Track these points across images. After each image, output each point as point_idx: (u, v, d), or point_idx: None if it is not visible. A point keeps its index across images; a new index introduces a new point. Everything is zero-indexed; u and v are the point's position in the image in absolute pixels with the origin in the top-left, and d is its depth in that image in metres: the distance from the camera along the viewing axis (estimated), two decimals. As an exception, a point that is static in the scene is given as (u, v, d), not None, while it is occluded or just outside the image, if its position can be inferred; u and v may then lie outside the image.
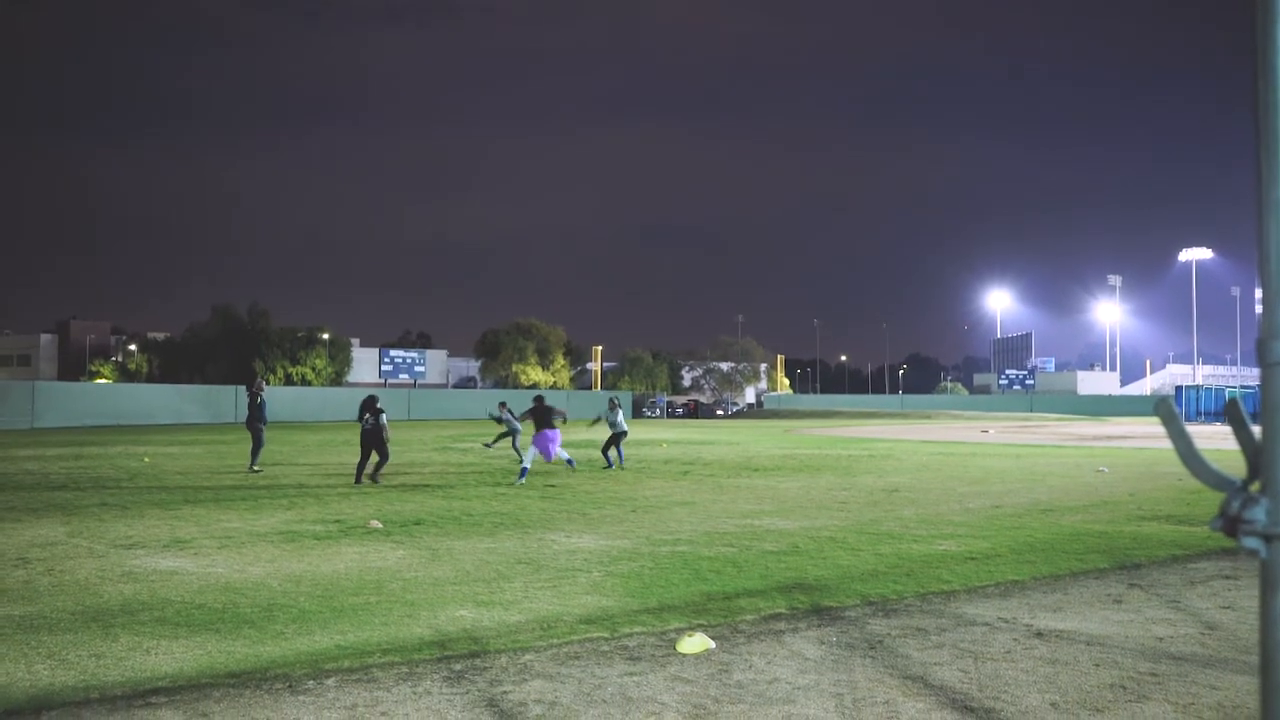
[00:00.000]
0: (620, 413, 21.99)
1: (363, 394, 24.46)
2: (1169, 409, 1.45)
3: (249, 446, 21.30)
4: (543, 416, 18.64)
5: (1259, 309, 1.34)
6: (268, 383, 21.53)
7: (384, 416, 18.43)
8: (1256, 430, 1.34)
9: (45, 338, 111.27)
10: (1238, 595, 8.09)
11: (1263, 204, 1.30)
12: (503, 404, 25.83)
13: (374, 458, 18.33)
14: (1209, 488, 1.37)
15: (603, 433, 23.07)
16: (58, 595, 8.01)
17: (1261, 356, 1.30)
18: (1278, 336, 1.27)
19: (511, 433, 24.29)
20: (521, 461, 22.65)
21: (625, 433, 21.93)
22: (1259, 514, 1.28)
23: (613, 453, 21.63)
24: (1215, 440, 16.84)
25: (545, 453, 18.57)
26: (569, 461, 19.57)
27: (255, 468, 20.21)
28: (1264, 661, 1.26)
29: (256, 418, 20.38)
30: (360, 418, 18.50)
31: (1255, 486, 1.31)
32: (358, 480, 18.07)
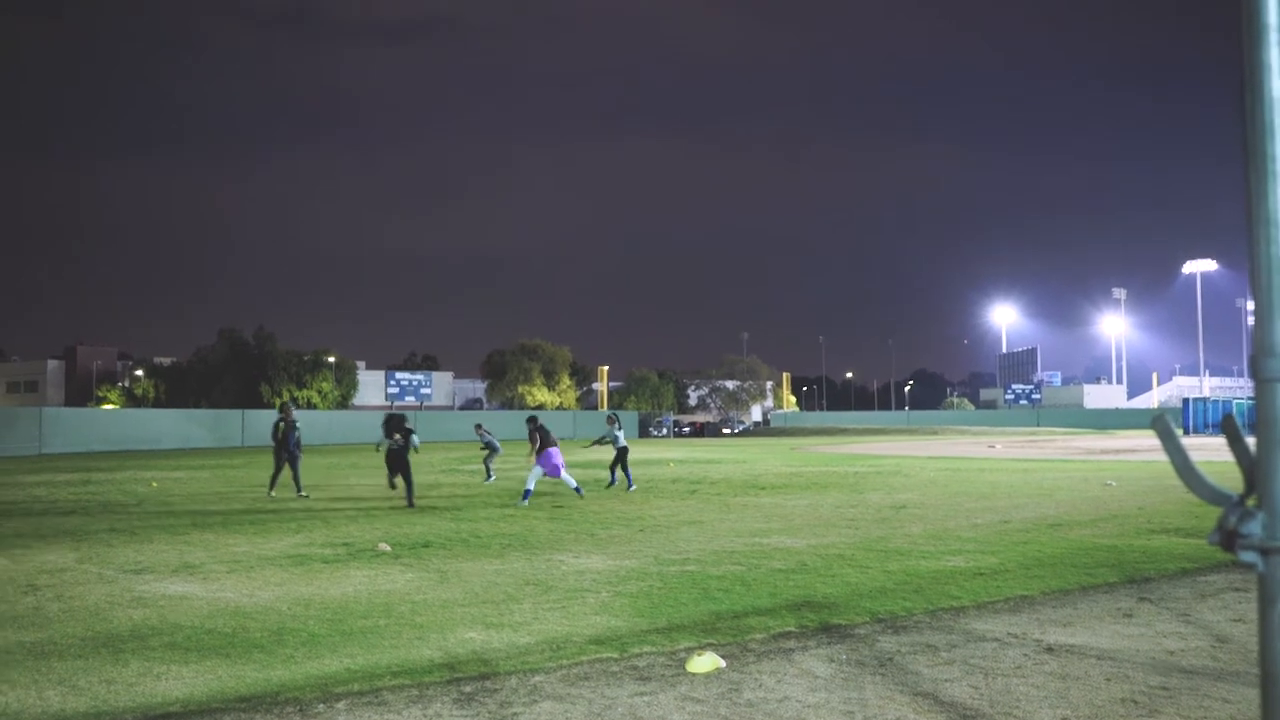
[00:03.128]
0: (618, 427, 21.93)
1: (375, 417, 24.59)
2: (1165, 424, 1.47)
3: (269, 473, 21.05)
4: (543, 436, 18.60)
5: (1251, 323, 1.37)
6: (273, 406, 21.32)
7: (415, 437, 18.18)
8: (1252, 444, 1.35)
9: (52, 364, 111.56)
10: (1248, 608, 8.07)
11: (1252, 220, 1.32)
12: (479, 425, 26.23)
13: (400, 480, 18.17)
14: (1205, 502, 1.39)
15: (608, 453, 23.01)
16: (68, 621, 8.03)
17: (1255, 372, 1.32)
18: (1271, 354, 1.29)
19: (491, 452, 24.65)
20: (489, 477, 23.16)
21: (626, 448, 21.81)
22: (1255, 528, 1.30)
23: (619, 472, 21.53)
24: (1223, 453, 16.79)
25: (552, 470, 18.36)
26: (577, 489, 19.11)
27: (298, 493, 19.98)
28: (1264, 674, 1.28)
29: (281, 445, 20.16)
30: (388, 435, 18.13)
31: (1252, 500, 1.33)
32: (392, 485, 18.22)
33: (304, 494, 19.97)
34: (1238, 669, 6.24)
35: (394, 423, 18.39)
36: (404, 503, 17.75)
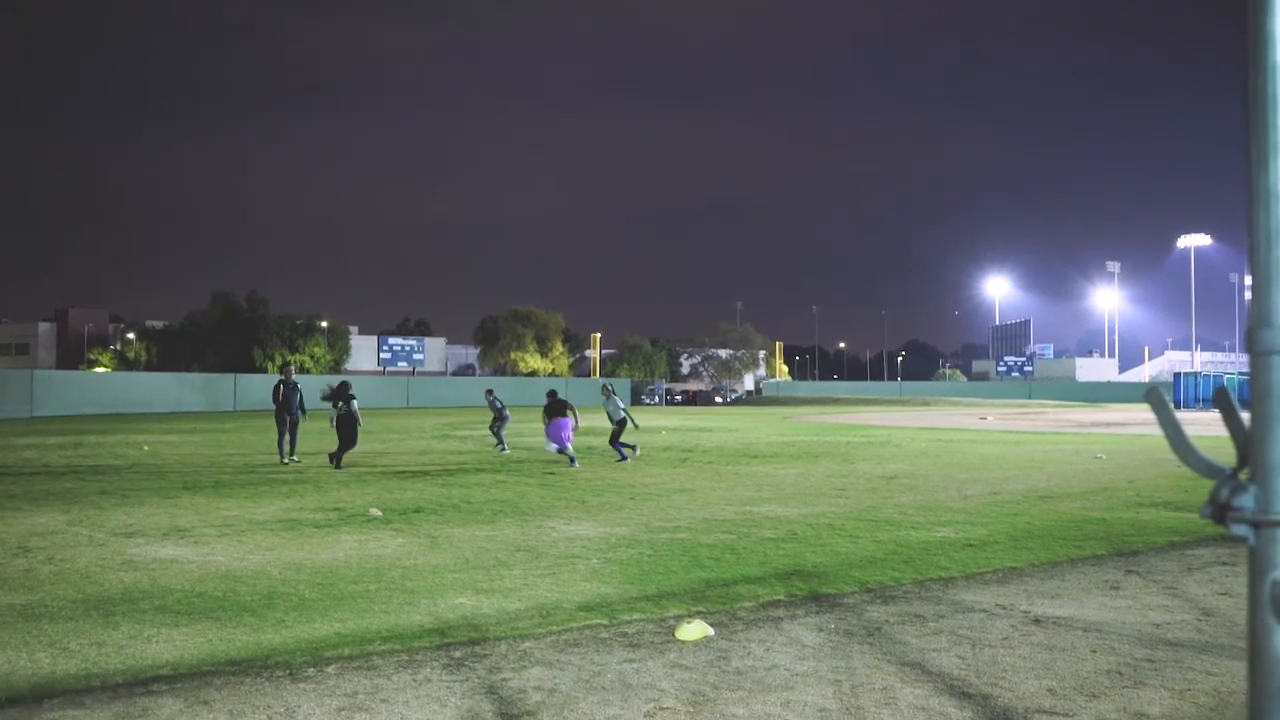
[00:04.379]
0: (616, 398, 21.34)
1: (366, 381, 24.59)
2: (1159, 397, 1.46)
3: (265, 437, 20.88)
4: (557, 409, 18.98)
5: (1249, 297, 1.35)
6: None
7: (355, 403, 18.94)
8: (1246, 417, 1.35)
9: (44, 326, 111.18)
10: (1234, 582, 8.12)
11: (1252, 193, 1.31)
12: (489, 391, 25.85)
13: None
14: (1198, 474, 1.38)
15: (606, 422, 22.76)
16: (58, 584, 8.04)
17: (1251, 345, 1.31)
18: (1267, 325, 1.28)
19: (501, 420, 24.25)
20: (501, 447, 23.00)
21: (624, 420, 21.34)
22: (1247, 501, 1.29)
23: (617, 444, 21.13)
24: (1214, 427, 16.82)
25: (559, 440, 18.79)
26: (572, 460, 19.25)
27: (286, 459, 19.65)
28: (1251, 645, 1.28)
29: (283, 408, 19.89)
30: (334, 404, 18.93)
31: (1244, 474, 1.32)
32: (338, 465, 18.48)
33: (295, 459, 19.88)
34: (1222, 642, 6.28)
35: (339, 391, 19.06)
36: (342, 466, 18.19)
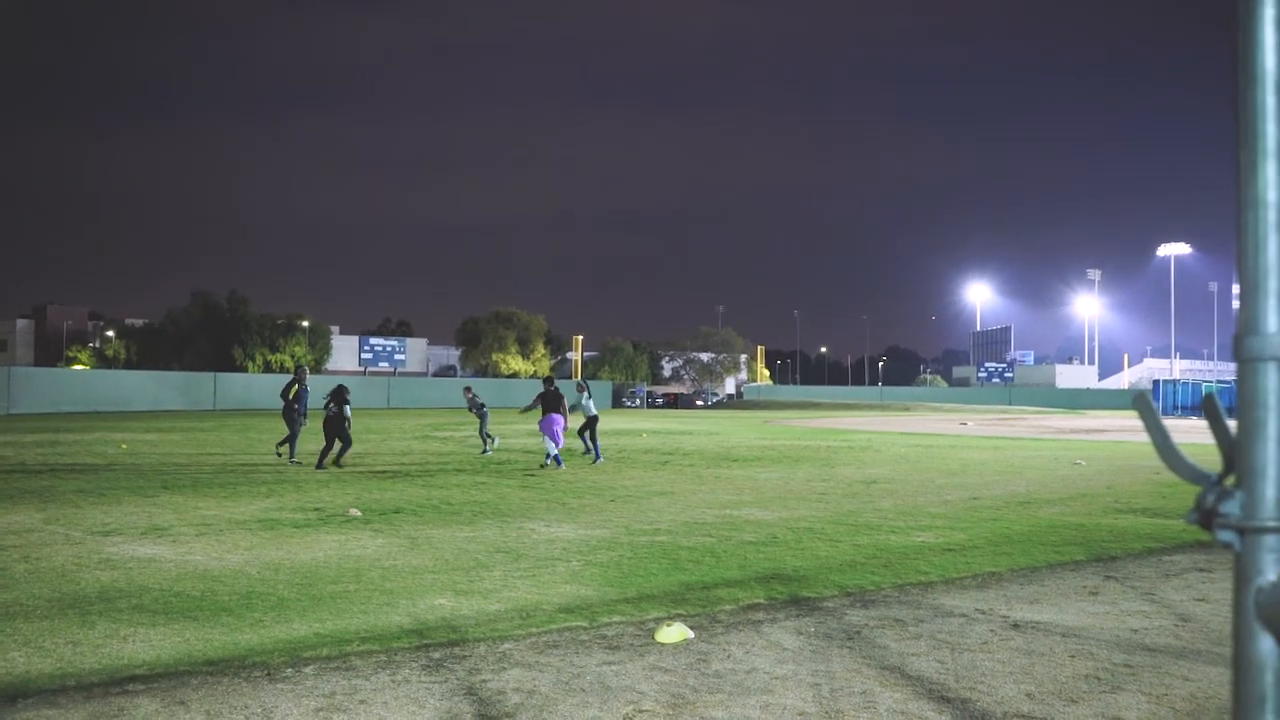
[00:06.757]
0: (587, 395, 21.77)
1: (348, 381, 24.65)
2: (1146, 402, 1.46)
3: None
4: (552, 402, 19.02)
5: (1236, 304, 1.35)
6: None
7: (348, 408, 19.02)
8: (1232, 425, 1.35)
9: (22, 323, 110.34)
10: (1211, 588, 8.17)
11: (1241, 201, 1.31)
12: (468, 389, 25.75)
13: (337, 445, 18.95)
14: (1185, 481, 1.38)
15: (575, 420, 22.80)
16: (34, 582, 7.97)
17: (1238, 352, 1.31)
18: (1255, 332, 1.28)
19: (483, 419, 24.33)
20: (486, 448, 22.92)
21: (596, 417, 21.65)
22: (1233, 507, 1.29)
23: (588, 441, 21.40)
24: (1192, 434, 16.97)
25: (553, 436, 18.84)
26: (556, 459, 19.30)
27: (294, 460, 19.45)
28: (1236, 653, 1.28)
29: (290, 408, 19.73)
30: (325, 405, 18.99)
31: (1230, 480, 1.32)
32: (319, 465, 18.43)
33: (280, 455, 19.98)
34: (1199, 648, 6.32)
35: (337, 393, 19.19)
36: (345, 466, 18.05)
